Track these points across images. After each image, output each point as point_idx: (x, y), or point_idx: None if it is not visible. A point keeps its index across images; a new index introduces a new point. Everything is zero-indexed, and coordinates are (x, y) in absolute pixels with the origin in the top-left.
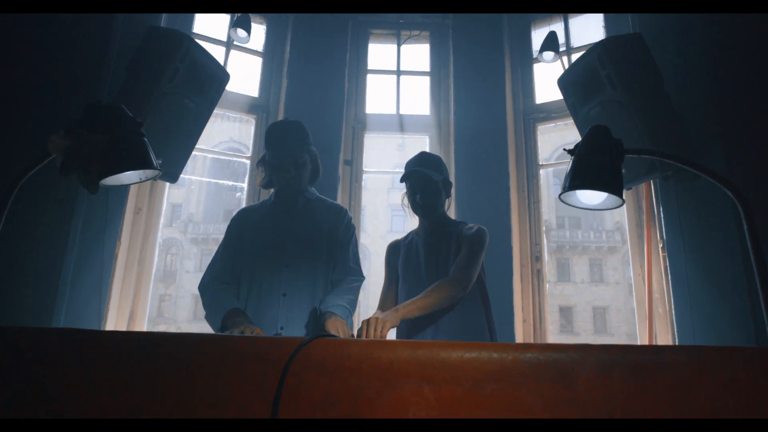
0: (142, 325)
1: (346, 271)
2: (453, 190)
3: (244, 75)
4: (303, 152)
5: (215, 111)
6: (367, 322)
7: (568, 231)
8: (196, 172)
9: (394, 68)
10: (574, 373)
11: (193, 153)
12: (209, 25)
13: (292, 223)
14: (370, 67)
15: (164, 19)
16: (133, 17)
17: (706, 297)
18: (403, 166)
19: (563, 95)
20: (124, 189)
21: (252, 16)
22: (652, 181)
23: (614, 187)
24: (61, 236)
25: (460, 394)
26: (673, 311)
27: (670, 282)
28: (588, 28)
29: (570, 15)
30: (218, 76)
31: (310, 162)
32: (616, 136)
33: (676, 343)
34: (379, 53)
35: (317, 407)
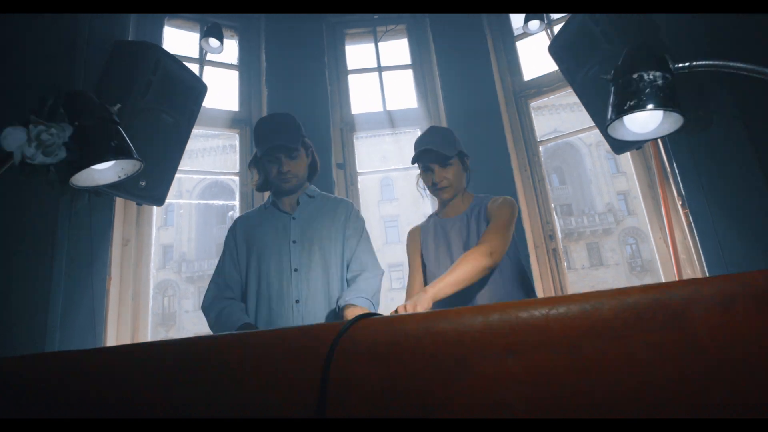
0: None
1: (362, 266)
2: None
3: (222, 90)
4: (296, 143)
5: (197, 132)
6: (396, 311)
7: (561, 219)
8: (184, 201)
9: (375, 65)
10: (688, 312)
11: (180, 175)
12: (180, 43)
13: (294, 223)
14: (350, 67)
15: (131, 36)
16: (97, 35)
17: (739, 248)
18: (396, 163)
19: (556, 62)
20: (108, 219)
21: (223, 29)
22: (659, 140)
23: (674, 104)
24: (44, 277)
25: (554, 362)
26: (705, 268)
27: (697, 239)
28: None
29: None
30: (195, 87)
31: (306, 154)
32: None
33: None
34: (358, 53)
35: (375, 401)
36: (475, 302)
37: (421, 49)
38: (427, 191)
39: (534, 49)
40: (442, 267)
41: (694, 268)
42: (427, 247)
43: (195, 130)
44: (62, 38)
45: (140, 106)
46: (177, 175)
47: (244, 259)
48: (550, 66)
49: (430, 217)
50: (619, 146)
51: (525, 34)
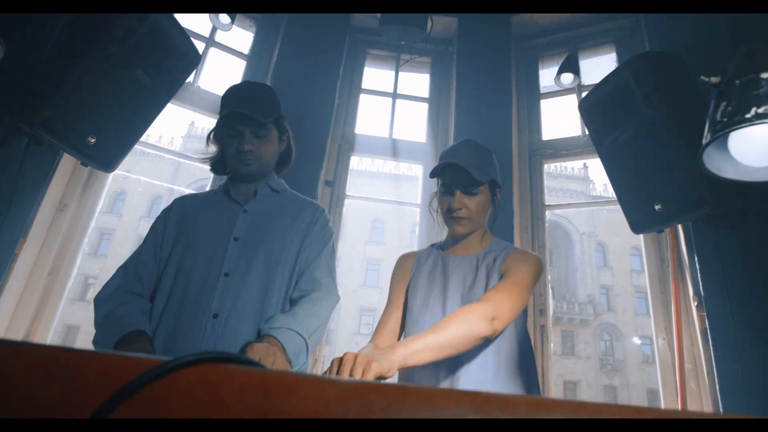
0: None
1: (312, 284)
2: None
3: (225, 76)
4: (267, 118)
5: (188, 110)
6: (341, 360)
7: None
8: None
9: (391, 90)
10: None
11: (145, 150)
12: (189, 18)
13: (244, 217)
14: (365, 86)
15: None
16: None
17: (762, 371)
18: (389, 204)
19: (585, 121)
20: (45, 173)
21: (241, 17)
22: (680, 226)
23: None
24: None
25: None
26: (717, 386)
27: (711, 349)
28: (600, 66)
29: (580, 53)
30: (187, 54)
31: (279, 138)
32: (653, 164)
33: None
34: (376, 76)
35: None
36: (456, 381)
37: (441, 85)
38: (439, 216)
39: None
40: (429, 314)
41: (700, 381)
42: (417, 282)
43: (188, 111)
44: None
45: (112, 52)
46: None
47: (168, 249)
48: (570, 131)
49: (432, 247)
50: (639, 223)
51: (551, 93)
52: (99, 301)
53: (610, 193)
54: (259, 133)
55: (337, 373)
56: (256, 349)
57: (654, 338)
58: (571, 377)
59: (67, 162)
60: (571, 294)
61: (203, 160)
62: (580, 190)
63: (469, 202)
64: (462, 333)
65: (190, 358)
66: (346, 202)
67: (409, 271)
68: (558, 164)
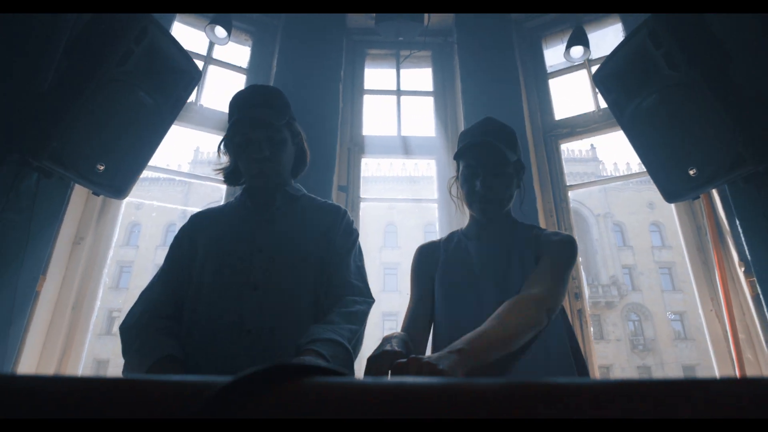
0: None
1: (345, 288)
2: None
3: (226, 92)
4: (281, 124)
5: (192, 130)
6: (406, 364)
7: None
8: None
9: (394, 88)
10: None
11: (155, 176)
12: (187, 38)
13: (266, 227)
14: (367, 87)
15: None
16: None
17: None
18: (404, 204)
19: (602, 92)
20: (58, 208)
21: (237, 31)
22: (715, 191)
23: None
24: None
25: None
26: None
27: (766, 314)
28: (606, 38)
29: (586, 26)
30: (187, 70)
31: (293, 142)
32: (682, 128)
33: None
34: (378, 75)
35: None
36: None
37: (445, 76)
38: (462, 201)
39: (567, 89)
40: (462, 305)
41: (758, 350)
42: (444, 272)
43: (192, 130)
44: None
45: (114, 76)
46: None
47: (191, 266)
48: (583, 108)
49: (454, 235)
50: (673, 192)
51: (558, 72)
52: (125, 330)
53: (621, 170)
54: (273, 138)
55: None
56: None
57: (700, 311)
58: (603, 362)
59: (78, 194)
60: (593, 277)
61: (216, 172)
62: (590, 172)
63: (496, 183)
64: (523, 327)
65: (243, 374)
66: (362, 205)
67: (433, 261)
68: (564, 148)
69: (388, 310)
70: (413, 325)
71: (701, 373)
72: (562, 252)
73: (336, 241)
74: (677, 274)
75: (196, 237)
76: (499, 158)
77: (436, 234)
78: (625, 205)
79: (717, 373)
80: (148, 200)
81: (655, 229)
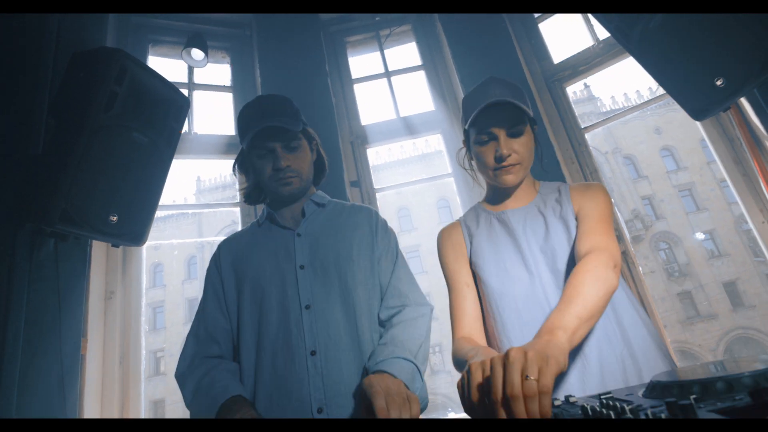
0: None
1: (401, 299)
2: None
3: (217, 115)
4: (298, 128)
5: (192, 160)
6: (504, 358)
7: None
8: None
9: (382, 71)
10: None
11: (167, 213)
12: (167, 71)
13: (300, 241)
14: (354, 76)
15: None
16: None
17: None
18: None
19: (602, 22)
20: (81, 268)
21: (213, 51)
22: (745, 100)
23: None
24: None
25: None
26: None
27: None
28: None
29: None
30: (174, 100)
31: (310, 148)
32: (699, 39)
33: None
34: (363, 62)
35: None
36: (588, 363)
37: (431, 47)
38: (477, 172)
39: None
40: (515, 281)
41: None
42: (480, 252)
43: (192, 160)
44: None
45: (102, 123)
46: (190, 211)
47: (233, 297)
48: (580, 45)
49: (475, 209)
50: (700, 108)
51: (546, 14)
52: (181, 377)
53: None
54: (291, 146)
55: (504, 374)
56: (374, 382)
57: (752, 227)
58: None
59: (98, 250)
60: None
61: (240, 192)
62: (590, 111)
63: (517, 145)
64: (603, 293)
65: None
66: (378, 196)
67: (462, 243)
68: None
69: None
70: (464, 317)
71: (742, 287)
72: (598, 201)
73: (379, 248)
74: (698, 193)
75: (230, 265)
76: (517, 117)
77: (450, 209)
78: (632, 137)
79: None
80: (165, 239)
81: (666, 153)
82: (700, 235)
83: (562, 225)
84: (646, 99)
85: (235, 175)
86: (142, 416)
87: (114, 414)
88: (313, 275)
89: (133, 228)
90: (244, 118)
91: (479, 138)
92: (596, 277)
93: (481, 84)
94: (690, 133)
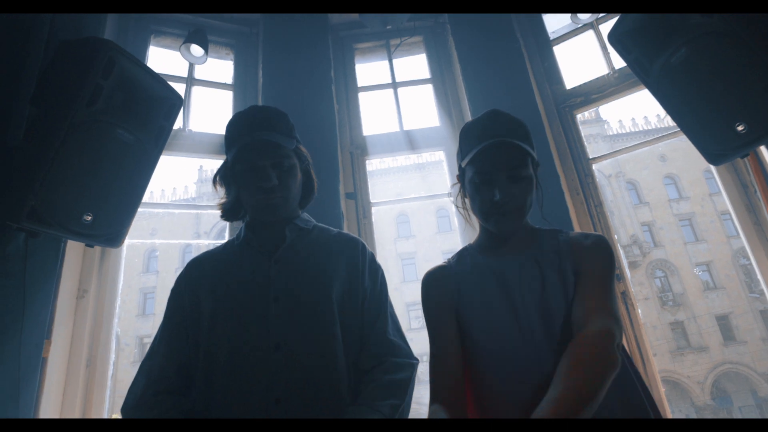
0: None
1: (384, 347)
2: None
3: (215, 112)
4: (288, 148)
5: (184, 158)
6: None
7: None
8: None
9: (389, 81)
10: None
11: (150, 210)
12: (168, 64)
13: (277, 269)
14: (360, 84)
15: None
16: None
17: None
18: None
19: (621, 53)
20: (52, 265)
21: (216, 47)
22: (765, 146)
23: None
24: None
25: None
26: None
27: None
28: None
29: None
30: (166, 97)
31: (301, 167)
32: (723, 80)
33: None
34: (370, 70)
35: None
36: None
37: (441, 60)
38: (470, 213)
39: (574, 55)
40: (505, 340)
41: None
42: (470, 303)
43: (182, 158)
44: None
45: (84, 117)
46: (191, 212)
47: (196, 324)
48: (594, 72)
49: (466, 253)
50: (717, 153)
51: (563, 37)
52: (128, 413)
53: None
54: (281, 164)
55: None
56: None
57: (759, 277)
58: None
59: (75, 245)
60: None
61: (217, 206)
62: (596, 133)
63: (517, 190)
64: (605, 375)
65: None
66: (373, 210)
67: (450, 292)
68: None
69: (412, 300)
70: (445, 378)
71: (735, 322)
72: (601, 258)
73: (362, 283)
74: (698, 224)
75: (198, 289)
76: (517, 159)
77: (450, 218)
78: (636, 162)
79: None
80: (161, 229)
81: (669, 181)
82: (696, 270)
83: (560, 281)
84: (653, 125)
85: (215, 187)
86: (105, 417)
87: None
88: (287, 310)
89: (108, 229)
90: (233, 127)
91: (475, 178)
92: (599, 359)
93: (484, 117)
94: (694, 163)
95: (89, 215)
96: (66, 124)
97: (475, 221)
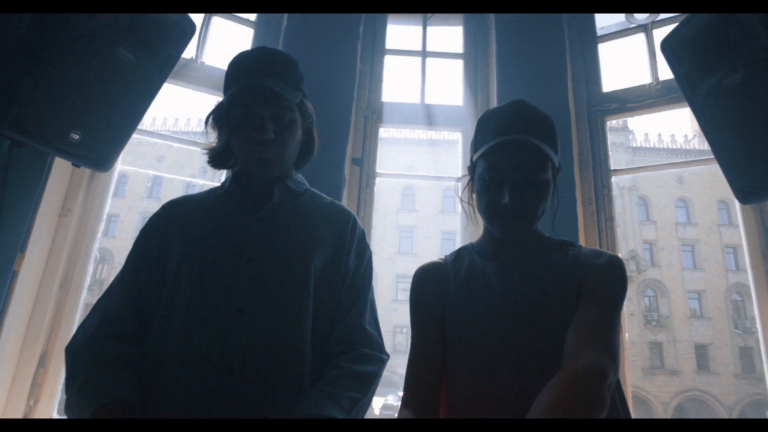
0: (58, 375)
1: (357, 334)
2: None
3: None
4: (292, 101)
5: (192, 90)
6: None
7: None
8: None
9: (419, 49)
10: None
11: (149, 139)
12: None
13: (259, 230)
14: (389, 47)
15: None
16: None
17: None
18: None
19: (672, 64)
20: (36, 179)
21: None
22: None
23: None
24: None
25: None
26: None
27: None
28: None
29: None
30: (177, 22)
31: (302, 125)
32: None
33: None
34: (401, 33)
35: None
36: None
37: (477, 38)
38: (475, 210)
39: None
40: (489, 353)
41: None
42: (458, 306)
43: (190, 90)
44: None
45: (84, 30)
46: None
47: (162, 273)
48: (635, 79)
49: (464, 253)
50: (750, 191)
51: (611, 35)
52: (71, 351)
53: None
54: (282, 117)
55: None
56: None
57: (759, 328)
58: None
59: (63, 162)
60: (611, 251)
61: (203, 152)
62: (619, 142)
63: (529, 195)
64: (589, 417)
65: None
66: (378, 180)
67: (439, 290)
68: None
69: (403, 272)
70: (420, 381)
71: (713, 353)
72: (612, 282)
73: (347, 260)
74: (700, 252)
75: (169, 234)
76: (535, 161)
77: (455, 200)
78: (653, 179)
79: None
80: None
81: (681, 204)
82: (688, 296)
83: (560, 299)
84: (679, 145)
85: (205, 128)
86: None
87: (40, 338)
88: (259, 274)
89: (97, 151)
90: (235, 66)
91: (485, 175)
92: (585, 400)
93: (506, 108)
94: (710, 191)
95: (77, 134)
96: (64, 34)
97: (480, 220)
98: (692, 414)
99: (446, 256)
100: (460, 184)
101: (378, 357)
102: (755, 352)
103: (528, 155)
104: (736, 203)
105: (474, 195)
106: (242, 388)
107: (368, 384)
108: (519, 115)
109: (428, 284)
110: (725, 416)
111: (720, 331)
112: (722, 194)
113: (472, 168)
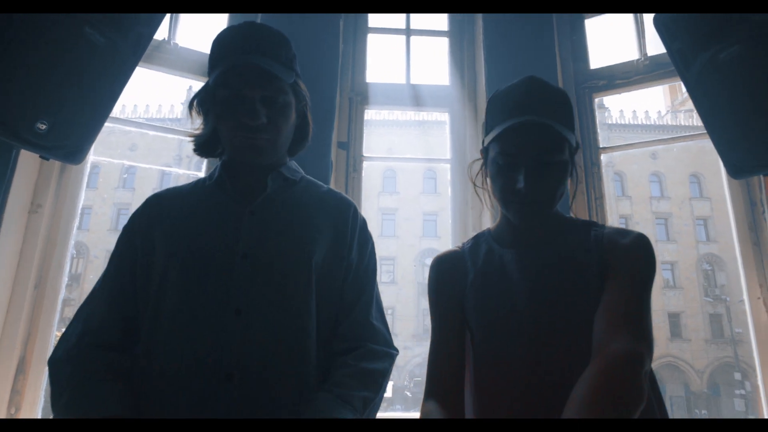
0: (39, 380)
1: (365, 330)
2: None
3: (207, 28)
4: (285, 82)
5: (165, 74)
6: None
7: None
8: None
9: (403, 26)
10: None
11: (122, 128)
12: None
13: (252, 221)
14: (371, 24)
15: None
16: None
17: None
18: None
19: (665, 39)
20: (1, 174)
21: None
22: None
23: None
24: None
25: None
26: None
27: None
28: None
29: None
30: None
31: (296, 109)
32: (764, 97)
33: None
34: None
35: None
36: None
37: (463, 15)
38: (489, 195)
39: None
40: (516, 343)
41: None
42: (479, 296)
43: (162, 74)
44: None
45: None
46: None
47: (145, 274)
48: (623, 55)
49: (481, 239)
50: (742, 166)
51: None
52: (54, 365)
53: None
54: (275, 99)
55: None
56: None
57: (746, 298)
58: None
59: (30, 154)
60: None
61: (189, 139)
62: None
63: (546, 178)
64: (628, 411)
65: None
66: (365, 164)
67: (458, 281)
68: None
69: (386, 255)
70: (442, 375)
71: (684, 321)
72: (640, 261)
73: (349, 252)
74: (673, 225)
75: (154, 232)
76: (555, 143)
77: (436, 181)
78: (627, 155)
79: (760, 376)
80: (141, 146)
81: (655, 179)
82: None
83: (583, 284)
84: (653, 121)
85: (189, 113)
86: (51, 342)
87: (16, 343)
88: (255, 271)
89: (67, 142)
90: (221, 43)
91: (498, 159)
92: (623, 392)
93: (517, 87)
94: (682, 165)
95: (44, 123)
96: (21, 12)
97: (495, 204)
98: (666, 378)
99: (463, 244)
100: (449, 168)
101: (387, 353)
102: (724, 318)
103: (542, 137)
104: (707, 176)
105: (488, 179)
106: (242, 395)
107: (379, 382)
108: (531, 94)
109: (446, 274)
110: (696, 379)
111: (691, 299)
112: (694, 168)
113: (484, 152)
